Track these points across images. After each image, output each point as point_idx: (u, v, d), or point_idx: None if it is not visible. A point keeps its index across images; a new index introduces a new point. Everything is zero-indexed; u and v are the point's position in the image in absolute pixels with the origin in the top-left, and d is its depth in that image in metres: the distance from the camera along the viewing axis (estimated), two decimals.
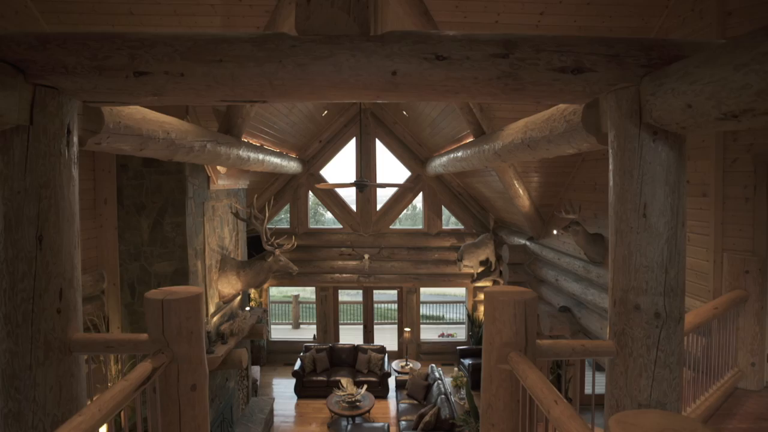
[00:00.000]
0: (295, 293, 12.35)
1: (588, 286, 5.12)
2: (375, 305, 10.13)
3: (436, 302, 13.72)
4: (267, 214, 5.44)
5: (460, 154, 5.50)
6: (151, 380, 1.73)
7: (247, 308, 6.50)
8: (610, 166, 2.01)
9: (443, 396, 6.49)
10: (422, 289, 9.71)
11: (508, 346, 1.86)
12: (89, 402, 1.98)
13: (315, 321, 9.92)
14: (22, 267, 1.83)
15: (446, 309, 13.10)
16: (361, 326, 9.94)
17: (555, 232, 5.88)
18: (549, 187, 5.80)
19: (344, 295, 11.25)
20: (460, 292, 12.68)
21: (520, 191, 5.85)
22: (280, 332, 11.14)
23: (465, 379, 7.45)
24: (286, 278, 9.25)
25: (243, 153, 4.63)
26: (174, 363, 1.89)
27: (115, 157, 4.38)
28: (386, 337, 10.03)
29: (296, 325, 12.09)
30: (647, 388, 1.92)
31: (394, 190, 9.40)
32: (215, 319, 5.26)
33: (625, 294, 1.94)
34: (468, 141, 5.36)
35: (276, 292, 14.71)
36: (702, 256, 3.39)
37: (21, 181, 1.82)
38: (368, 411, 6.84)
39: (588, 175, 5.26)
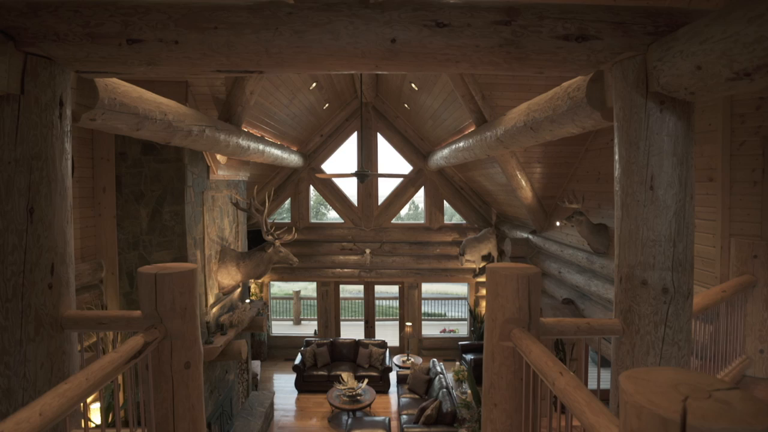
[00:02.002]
0: (297, 289, 12.31)
1: (591, 278, 5.06)
2: (376, 301, 10.08)
3: (437, 299, 13.66)
4: (267, 205, 5.39)
5: (462, 144, 5.45)
6: (143, 355, 1.68)
7: (247, 301, 6.46)
8: (616, 139, 1.96)
9: (445, 390, 6.43)
10: (423, 288, 9.65)
11: (510, 323, 1.80)
12: None
13: (316, 317, 9.87)
14: (12, 239, 1.78)
15: (448, 306, 13.04)
16: (362, 322, 9.88)
17: (558, 223, 5.81)
18: (552, 178, 5.74)
19: (345, 292, 11.20)
20: (461, 291, 12.62)
21: (523, 182, 5.79)
22: (281, 328, 11.10)
23: (466, 373, 7.39)
24: (287, 273, 9.21)
25: (243, 142, 4.59)
26: (167, 339, 1.85)
27: (114, 145, 4.34)
28: (387, 333, 9.97)
29: (297, 321, 12.05)
30: (655, 366, 1.86)
31: (395, 185, 9.35)
32: (215, 310, 5.21)
33: (632, 270, 1.89)
34: (470, 131, 5.31)
35: (277, 289, 14.68)
36: (708, 242, 3.33)
37: (11, 152, 1.78)
38: (369, 405, 6.79)
39: (591, 165, 5.19)
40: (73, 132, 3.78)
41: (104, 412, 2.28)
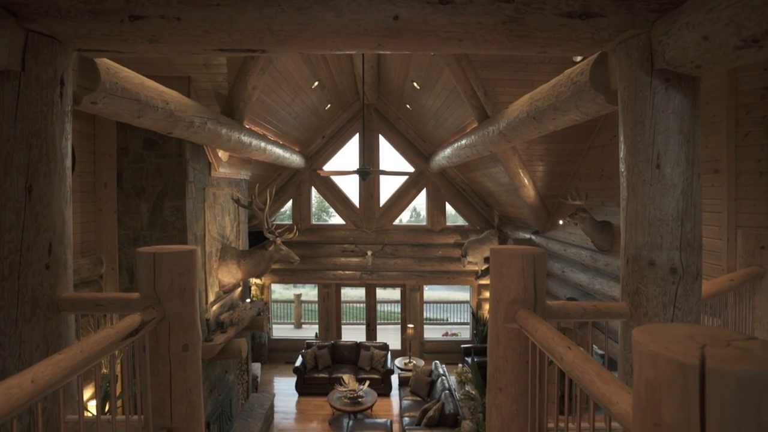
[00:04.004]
0: (297, 292, 12.24)
1: (595, 276, 5.00)
2: (377, 306, 10.00)
3: (439, 302, 13.57)
4: (268, 202, 5.38)
5: (464, 141, 5.44)
6: (139, 334, 1.64)
7: (248, 300, 6.41)
8: (620, 120, 1.94)
9: (447, 392, 6.34)
10: (425, 294, 9.57)
11: (515, 304, 1.76)
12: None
13: (317, 320, 9.80)
14: (10, 217, 1.76)
15: (450, 311, 12.94)
16: (364, 326, 9.80)
17: (561, 222, 5.78)
18: (554, 176, 5.71)
19: (346, 297, 11.13)
20: (463, 297, 12.52)
21: (525, 181, 5.76)
22: (281, 331, 11.02)
23: (470, 375, 7.31)
24: (288, 275, 9.17)
25: (245, 138, 4.59)
26: (165, 321, 1.81)
27: (116, 140, 4.34)
28: (389, 336, 9.88)
29: (298, 325, 11.97)
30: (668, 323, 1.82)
31: (397, 186, 9.33)
32: (215, 308, 5.17)
33: (639, 251, 1.85)
34: (472, 128, 5.30)
35: (278, 295, 14.60)
36: (714, 235, 3.28)
37: (11, 129, 1.76)
38: (370, 407, 6.69)
39: (594, 162, 5.17)
40: (75, 126, 3.77)
41: (100, 401, 2.25)
